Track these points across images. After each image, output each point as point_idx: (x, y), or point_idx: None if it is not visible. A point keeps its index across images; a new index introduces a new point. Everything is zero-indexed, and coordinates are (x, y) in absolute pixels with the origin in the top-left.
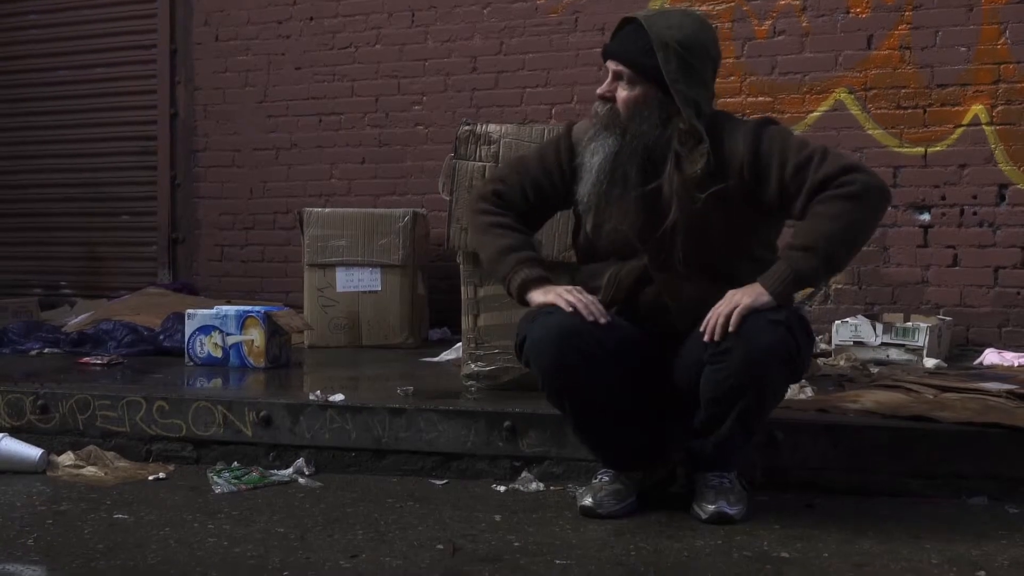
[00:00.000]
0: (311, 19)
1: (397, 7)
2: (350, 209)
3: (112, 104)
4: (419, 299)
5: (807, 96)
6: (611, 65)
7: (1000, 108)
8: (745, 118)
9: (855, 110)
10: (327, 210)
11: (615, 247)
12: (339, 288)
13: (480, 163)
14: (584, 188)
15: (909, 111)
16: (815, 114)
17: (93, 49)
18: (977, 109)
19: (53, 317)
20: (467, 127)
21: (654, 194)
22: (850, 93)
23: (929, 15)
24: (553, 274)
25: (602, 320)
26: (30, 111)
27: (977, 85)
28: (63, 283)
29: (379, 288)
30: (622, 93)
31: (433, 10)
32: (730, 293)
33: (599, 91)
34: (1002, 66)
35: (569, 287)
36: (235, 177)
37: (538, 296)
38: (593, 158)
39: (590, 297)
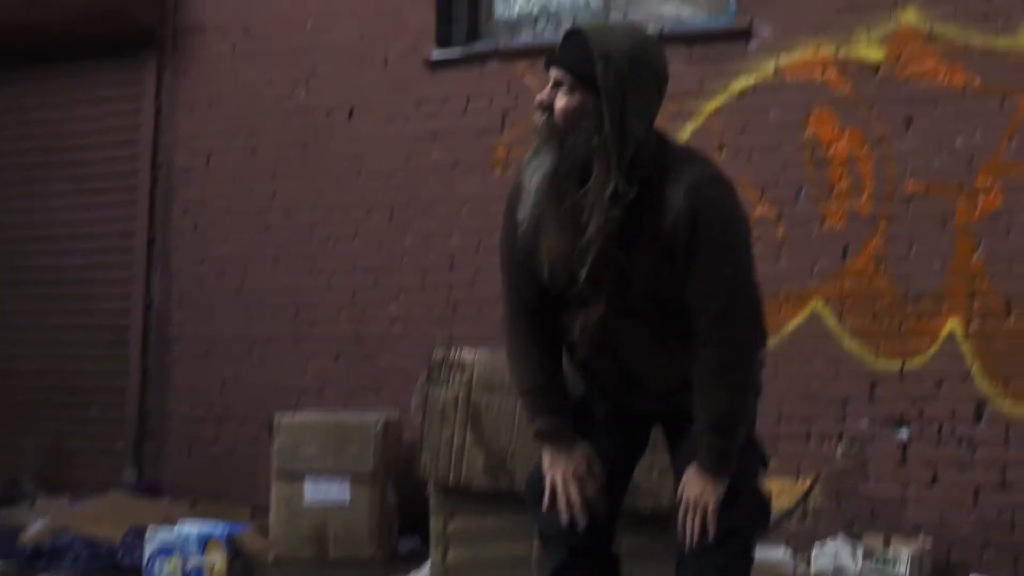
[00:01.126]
0: (290, 212)
1: (376, 203)
2: (320, 418)
3: (87, 292)
4: (388, 509)
5: (783, 305)
6: (552, 73)
7: (976, 323)
8: (692, 162)
9: (831, 322)
10: (297, 420)
11: (563, 282)
12: (307, 499)
13: (453, 391)
14: (523, 211)
15: (885, 323)
16: (791, 325)
17: (71, 236)
18: (953, 324)
19: (12, 516)
20: (440, 354)
21: (580, 206)
22: (826, 303)
23: (903, 227)
24: None
25: (586, 519)
26: (2, 296)
27: (952, 299)
28: (27, 476)
29: (348, 500)
30: (560, 101)
31: (412, 207)
32: (686, 485)
33: (538, 99)
34: (976, 280)
35: (562, 473)
36: (208, 369)
37: (543, 461)
38: (532, 178)
39: (577, 490)
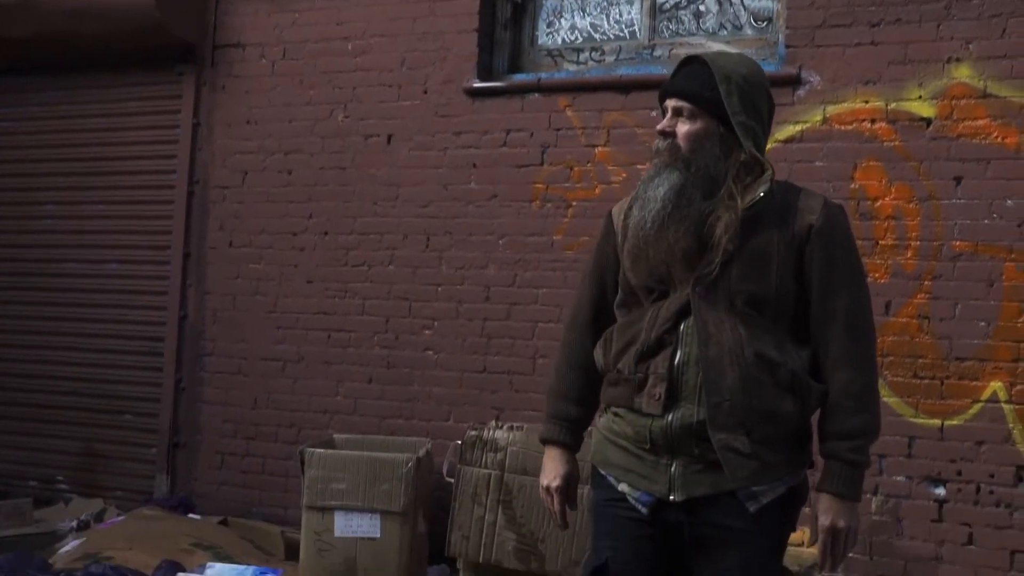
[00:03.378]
0: (326, 234)
1: (412, 230)
2: (352, 452)
3: (121, 301)
4: (419, 539)
5: None
6: (671, 103)
7: (1019, 387)
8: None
9: None
10: (329, 452)
11: (656, 277)
12: (337, 533)
13: (486, 470)
14: (644, 213)
15: (926, 382)
16: None
17: (107, 244)
18: (996, 386)
19: (47, 516)
20: (474, 432)
21: (709, 216)
22: None
23: (948, 287)
24: None
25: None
26: (37, 300)
27: (996, 361)
28: (59, 478)
29: (378, 535)
30: (683, 127)
31: (448, 236)
32: (825, 514)
33: (659, 127)
34: (1022, 344)
35: (545, 482)
36: (240, 385)
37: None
38: (659, 189)
39: (553, 501)
